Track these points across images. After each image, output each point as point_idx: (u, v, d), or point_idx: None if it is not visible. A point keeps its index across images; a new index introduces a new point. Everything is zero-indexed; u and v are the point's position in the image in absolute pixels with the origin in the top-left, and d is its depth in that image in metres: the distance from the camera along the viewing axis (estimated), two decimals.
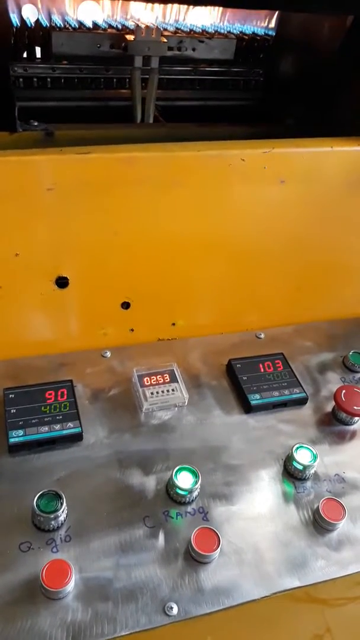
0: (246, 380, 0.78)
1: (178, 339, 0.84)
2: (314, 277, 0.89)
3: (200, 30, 1.03)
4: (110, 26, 0.97)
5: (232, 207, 0.78)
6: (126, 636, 0.53)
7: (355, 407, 0.74)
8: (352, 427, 0.76)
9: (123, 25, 0.98)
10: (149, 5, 0.99)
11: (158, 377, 0.76)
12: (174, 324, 0.84)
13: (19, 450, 0.66)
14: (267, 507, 0.66)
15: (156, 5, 1.00)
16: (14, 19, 0.92)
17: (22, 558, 0.57)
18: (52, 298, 0.75)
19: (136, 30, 0.92)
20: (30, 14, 0.93)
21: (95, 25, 0.96)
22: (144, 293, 0.80)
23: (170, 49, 0.97)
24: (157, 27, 0.93)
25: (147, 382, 0.75)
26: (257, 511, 0.65)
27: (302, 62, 1.02)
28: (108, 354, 0.80)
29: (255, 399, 0.75)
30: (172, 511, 0.63)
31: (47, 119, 0.84)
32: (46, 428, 0.67)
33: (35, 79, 0.95)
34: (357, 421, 0.76)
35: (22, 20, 0.93)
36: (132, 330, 0.82)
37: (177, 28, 1.02)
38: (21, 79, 0.94)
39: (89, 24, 0.96)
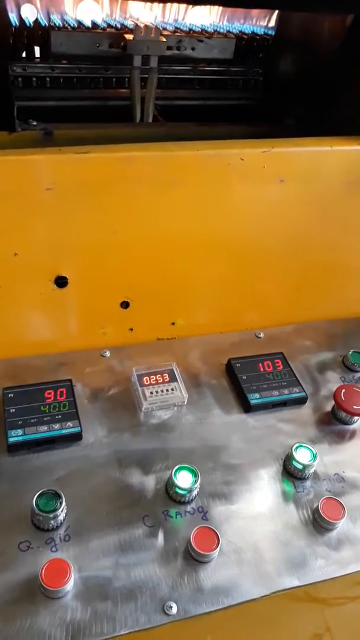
0: (246, 380, 0.78)
1: (177, 338, 0.84)
2: (314, 277, 0.89)
3: (200, 30, 1.03)
4: (109, 25, 0.97)
5: (231, 206, 0.78)
6: (125, 635, 0.53)
7: (355, 407, 0.74)
8: (351, 427, 0.76)
9: (122, 24, 0.98)
10: (148, 4, 0.99)
11: (157, 376, 0.76)
12: (173, 324, 0.84)
13: (18, 449, 0.66)
14: (266, 507, 0.66)
15: (155, 4, 0.99)
16: (13, 18, 0.92)
17: (22, 557, 0.57)
18: (51, 298, 0.75)
19: (135, 29, 0.92)
20: (29, 13, 0.93)
21: (94, 24, 0.96)
22: (143, 292, 0.80)
23: (169, 48, 0.97)
24: (156, 26, 0.93)
25: (147, 381, 0.75)
26: (257, 510, 0.65)
27: (301, 62, 1.02)
28: (107, 353, 0.80)
29: (254, 399, 0.75)
30: (171, 510, 0.63)
31: (46, 118, 0.84)
32: (45, 427, 0.67)
33: (34, 79, 0.95)
34: (356, 420, 0.76)
35: (21, 20, 0.93)
36: (132, 329, 0.82)
37: (176, 27, 1.02)
38: (20, 79, 0.95)
39: (88, 24, 0.96)
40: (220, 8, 1.05)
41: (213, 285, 0.84)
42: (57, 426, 0.68)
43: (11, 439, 0.66)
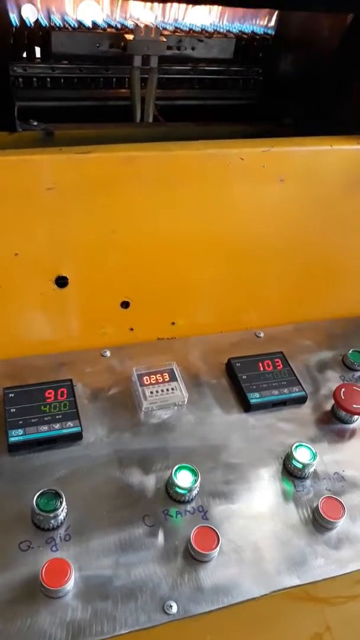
0: (246, 379, 0.78)
1: (177, 338, 0.84)
2: (314, 276, 0.89)
3: (200, 30, 1.03)
4: (110, 26, 0.97)
5: (231, 206, 0.78)
6: (126, 635, 0.54)
7: (354, 406, 0.74)
8: (351, 426, 0.76)
9: (122, 24, 0.98)
10: (148, 4, 0.99)
11: (157, 376, 0.76)
12: (173, 323, 0.84)
13: (19, 449, 0.66)
14: (266, 506, 0.66)
15: (155, 4, 1.00)
16: (14, 18, 0.92)
17: (22, 557, 0.57)
18: (52, 297, 0.75)
19: (135, 29, 0.92)
20: (29, 13, 0.93)
21: (95, 24, 0.96)
22: (143, 292, 0.80)
23: (169, 48, 0.97)
24: (156, 26, 0.93)
25: (147, 381, 0.75)
26: (257, 510, 0.65)
27: (301, 61, 1.02)
28: (108, 353, 0.80)
29: (254, 398, 0.75)
30: (171, 510, 0.63)
31: (46, 118, 0.84)
32: (46, 427, 0.68)
33: (34, 79, 0.95)
34: (356, 419, 0.76)
35: (22, 20, 0.93)
36: (132, 329, 0.82)
37: (176, 27, 1.02)
38: (21, 79, 0.95)
39: (89, 24, 0.96)
40: (220, 8, 1.05)
41: (213, 285, 0.84)
42: (57, 426, 0.68)
43: (12, 439, 0.66)
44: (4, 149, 0.66)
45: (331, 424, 0.76)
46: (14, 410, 0.69)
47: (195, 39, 1.00)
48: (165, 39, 0.93)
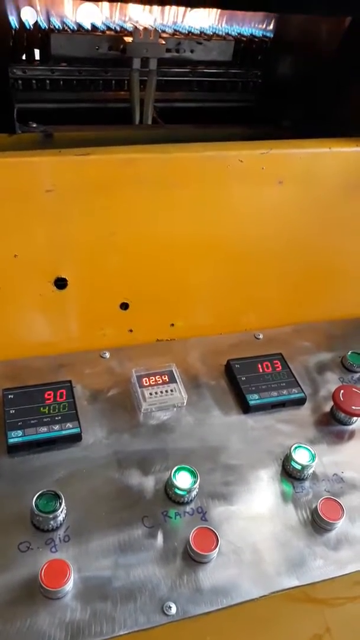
0: (245, 381, 0.78)
1: (177, 339, 0.84)
2: (313, 278, 0.89)
3: (199, 32, 1.03)
4: (109, 28, 0.97)
5: (230, 208, 0.78)
6: (125, 635, 0.54)
7: (353, 407, 0.74)
8: (350, 427, 0.76)
9: (121, 27, 0.98)
10: (147, 7, 0.99)
11: (157, 377, 0.76)
12: (172, 325, 0.84)
13: (18, 450, 0.66)
14: (265, 507, 0.66)
15: (154, 7, 1.00)
16: (13, 21, 0.93)
17: (21, 558, 0.57)
18: (51, 299, 0.75)
19: (134, 32, 0.92)
20: (29, 16, 0.94)
21: (94, 27, 0.97)
22: (142, 294, 0.80)
23: (168, 50, 0.97)
24: (155, 29, 0.93)
25: (146, 382, 0.75)
26: (256, 511, 0.65)
27: (300, 64, 1.02)
28: (107, 354, 0.80)
29: (253, 399, 0.76)
30: (170, 511, 0.63)
31: (45, 120, 0.85)
32: (45, 428, 0.68)
33: (34, 81, 0.96)
34: (355, 421, 0.77)
35: (21, 23, 0.93)
36: (131, 331, 0.82)
37: (175, 30, 1.03)
38: (20, 81, 0.95)
39: (88, 26, 0.96)
40: (219, 11, 1.05)
41: (212, 287, 0.84)
42: (56, 427, 0.68)
43: (11, 440, 0.66)
44: (3, 150, 0.66)
45: (330, 425, 0.76)
46: (14, 411, 0.69)
47: (194, 42, 1.00)
48: (164, 42, 0.94)
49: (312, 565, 0.61)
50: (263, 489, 0.67)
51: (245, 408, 0.75)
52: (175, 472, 0.64)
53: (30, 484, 0.63)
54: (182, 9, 1.02)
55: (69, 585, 0.55)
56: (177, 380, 0.76)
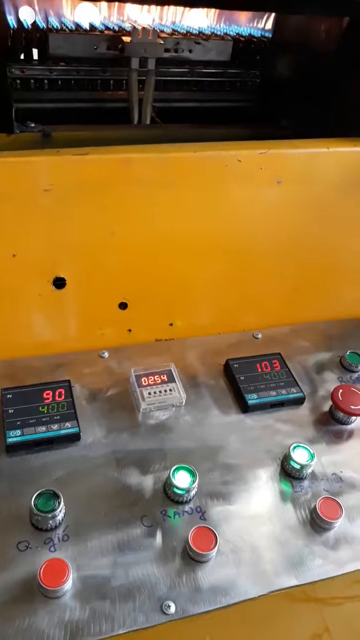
0: (243, 380, 0.78)
1: (175, 339, 0.84)
2: (311, 278, 0.89)
3: (197, 32, 1.03)
4: (107, 28, 0.97)
5: (228, 207, 0.78)
6: (124, 635, 0.54)
7: (352, 407, 0.75)
8: (349, 427, 0.76)
9: (120, 27, 0.98)
10: (146, 7, 0.99)
11: (156, 377, 0.76)
12: (171, 325, 0.84)
13: (17, 450, 0.66)
14: (264, 507, 0.66)
15: (153, 7, 1.00)
16: (11, 20, 0.92)
17: (20, 557, 0.57)
18: (50, 299, 0.75)
19: (133, 32, 0.92)
20: (27, 15, 0.94)
21: (92, 27, 0.97)
22: (141, 293, 0.80)
23: (167, 50, 0.97)
24: (153, 28, 0.93)
25: (145, 382, 0.75)
26: (255, 510, 0.65)
27: (298, 64, 1.02)
28: (106, 354, 0.80)
29: (252, 399, 0.76)
30: (169, 510, 0.63)
31: (44, 120, 0.85)
32: (44, 428, 0.68)
33: (32, 81, 0.95)
34: (354, 420, 0.77)
35: (19, 22, 0.93)
36: (130, 330, 0.82)
37: (173, 30, 1.03)
38: (18, 81, 0.95)
39: (86, 26, 0.96)
40: (217, 10, 1.05)
41: (211, 287, 0.84)
42: (55, 427, 0.68)
43: (10, 440, 0.66)
44: (1, 150, 0.66)
45: (329, 425, 0.76)
46: (12, 411, 0.69)
47: (193, 42, 1.00)
48: (162, 42, 0.94)
49: (310, 564, 0.61)
50: (262, 489, 0.68)
51: (244, 407, 0.76)
52: (174, 471, 0.64)
53: (29, 484, 0.63)
54: (180, 8, 1.02)
55: (68, 585, 0.55)
56: (176, 380, 0.76)
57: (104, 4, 0.98)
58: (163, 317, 0.83)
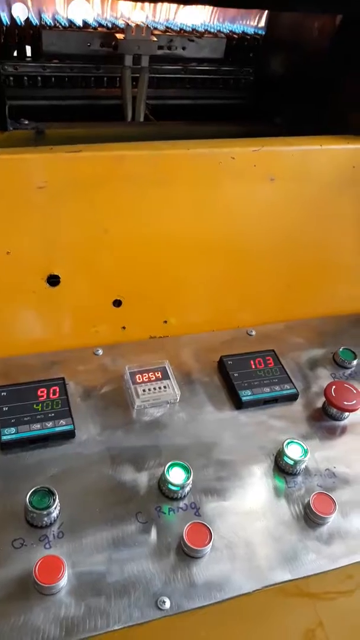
0: (237, 377, 0.78)
1: (170, 336, 0.84)
2: (305, 274, 0.89)
3: (190, 29, 1.03)
4: (101, 25, 0.97)
5: (222, 205, 0.79)
6: (119, 630, 0.54)
7: (345, 403, 0.75)
8: (342, 423, 0.77)
9: (113, 24, 0.98)
10: (139, 4, 0.99)
11: (150, 374, 0.76)
12: (165, 322, 0.84)
13: (12, 447, 0.66)
14: (258, 502, 0.66)
15: (146, 4, 1.00)
16: (4, 17, 0.92)
17: (15, 554, 0.57)
18: (44, 296, 0.75)
19: (126, 29, 0.92)
20: (20, 12, 0.93)
21: (86, 24, 0.96)
22: (135, 291, 0.80)
23: (160, 47, 0.97)
24: (147, 25, 0.93)
25: (139, 379, 0.75)
26: (249, 506, 0.66)
27: (291, 61, 1.03)
28: (100, 351, 0.80)
29: (246, 395, 0.76)
30: (164, 507, 0.63)
31: (37, 117, 0.84)
32: (38, 425, 0.68)
33: (25, 78, 0.95)
34: (347, 416, 0.77)
35: (12, 19, 0.93)
36: (124, 328, 0.82)
37: (167, 27, 1.03)
38: (11, 78, 0.94)
39: (79, 23, 0.96)
40: (211, 8, 1.05)
41: (205, 284, 0.84)
42: (50, 424, 0.68)
43: (4, 437, 0.66)
44: None
45: (322, 420, 0.77)
46: (6, 408, 0.69)
47: (186, 39, 1.00)
48: (156, 39, 0.94)
49: (304, 559, 0.62)
50: (256, 484, 0.68)
51: (238, 404, 0.76)
52: (168, 468, 0.64)
53: (24, 481, 0.63)
54: (174, 5, 1.02)
55: (63, 581, 0.55)
56: (170, 377, 0.76)
57: (97, 1, 0.98)
58: (157, 315, 0.84)
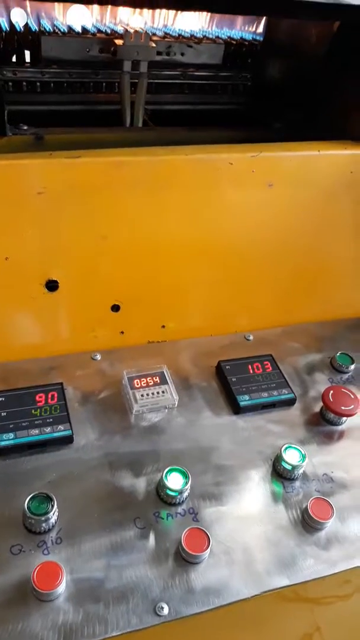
0: (235, 382, 0.78)
1: (168, 341, 0.85)
2: (302, 279, 0.90)
3: (189, 35, 1.04)
4: (99, 31, 0.98)
5: (220, 210, 0.79)
6: (117, 637, 0.54)
7: (342, 408, 0.75)
8: (339, 427, 0.77)
9: (112, 30, 0.98)
10: (138, 10, 1.00)
11: (148, 379, 0.76)
12: (163, 327, 0.84)
13: (10, 453, 0.66)
14: (256, 507, 0.66)
15: (145, 10, 1.00)
16: (3, 23, 0.93)
17: (13, 560, 0.57)
18: (42, 301, 0.75)
19: (125, 34, 0.92)
20: (19, 18, 0.94)
21: (85, 29, 0.97)
22: (133, 296, 0.80)
23: (159, 53, 0.97)
24: (145, 31, 0.94)
25: (137, 384, 0.76)
26: (247, 511, 0.66)
27: (289, 67, 1.03)
28: (98, 356, 0.80)
29: (244, 400, 0.76)
30: (162, 512, 0.63)
31: (36, 123, 0.84)
32: (37, 431, 0.68)
33: (24, 83, 0.95)
34: (344, 421, 0.77)
35: (11, 25, 0.93)
36: (122, 332, 0.82)
37: (165, 33, 1.03)
38: (10, 83, 0.95)
39: (78, 29, 0.97)
40: (209, 14, 1.06)
41: (203, 289, 0.84)
42: (48, 429, 0.68)
43: (2, 443, 0.66)
44: None
45: (320, 425, 0.77)
46: (5, 414, 0.69)
47: (185, 45, 1.01)
48: (154, 45, 0.94)
49: (302, 564, 0.62)
50: (254, 489, 0.68)
51: (236, 409, 0.76)
52: (166, 473, 0.64)
53: (22, 487, 0.63)
54: (172, 12, 1.03)
55: (62, 588, 0.55)
56: (169, 382, 0.76)
57: (97, 7, 0.98)
58: (155, 320, 0.84)
